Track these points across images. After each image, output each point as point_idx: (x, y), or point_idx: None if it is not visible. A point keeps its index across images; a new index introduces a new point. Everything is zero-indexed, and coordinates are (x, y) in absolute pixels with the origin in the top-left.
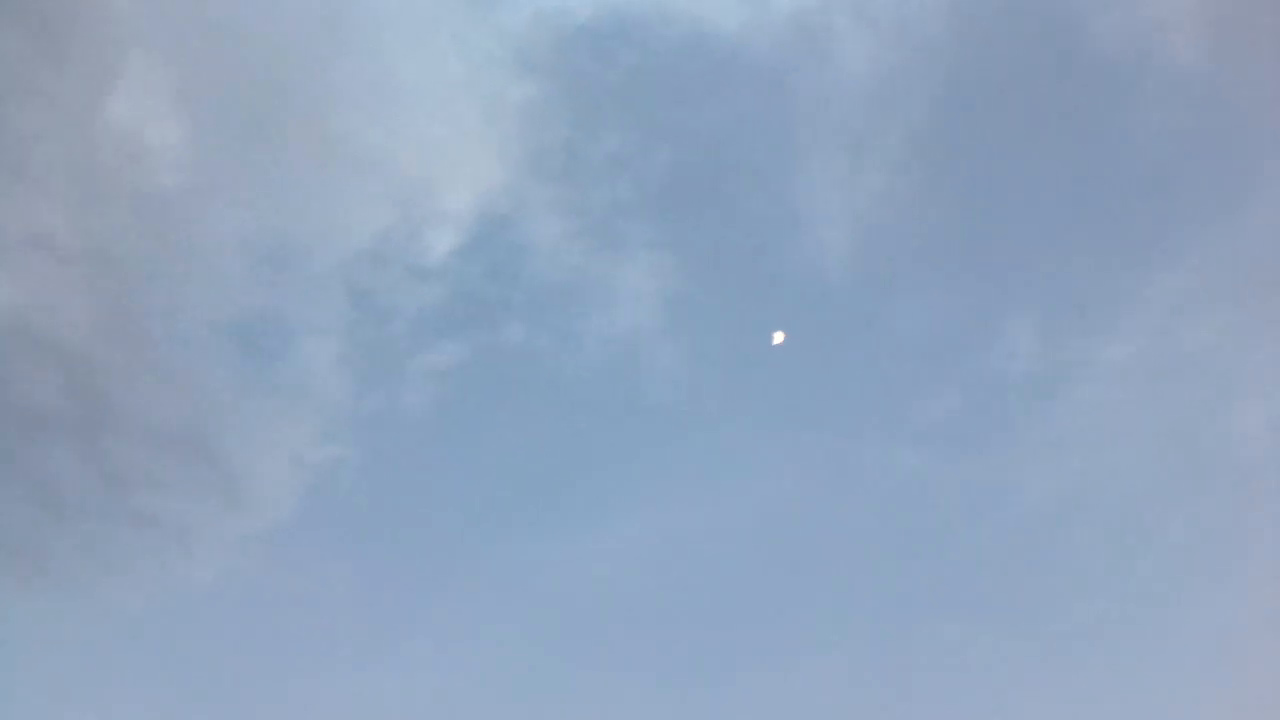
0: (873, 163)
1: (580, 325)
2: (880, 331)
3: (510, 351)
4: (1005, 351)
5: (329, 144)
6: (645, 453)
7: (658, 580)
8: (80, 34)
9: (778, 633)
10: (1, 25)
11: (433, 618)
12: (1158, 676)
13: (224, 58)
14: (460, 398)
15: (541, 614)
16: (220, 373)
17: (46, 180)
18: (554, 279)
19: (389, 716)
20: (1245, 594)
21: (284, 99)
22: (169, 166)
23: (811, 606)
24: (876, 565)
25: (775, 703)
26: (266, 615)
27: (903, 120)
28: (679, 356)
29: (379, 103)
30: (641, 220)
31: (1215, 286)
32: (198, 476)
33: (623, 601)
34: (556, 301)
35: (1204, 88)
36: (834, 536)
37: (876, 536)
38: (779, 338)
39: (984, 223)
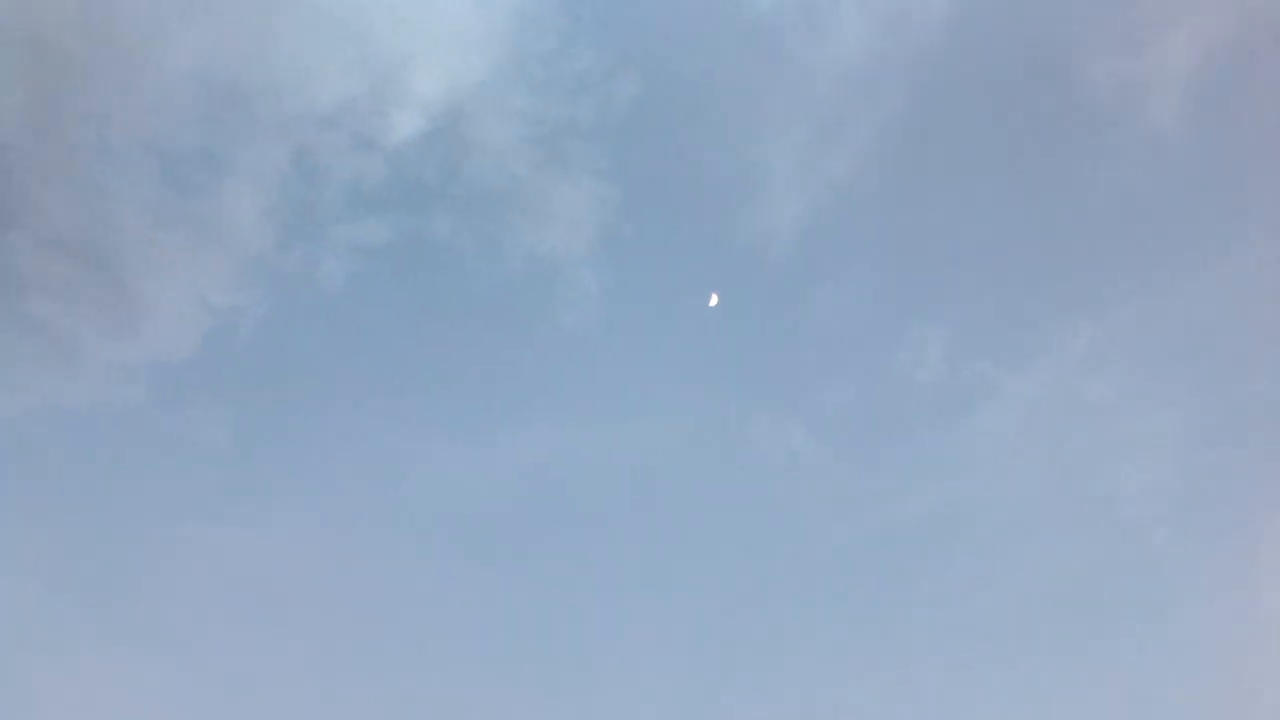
0: (841, 147)
1: (509, 235)
2: (804, 314)
3: (435, 244)
4: (912, 359)
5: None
6: (547, 376)
7: (530, 502)
8: None
9: (632, 577)
10: None
11: (309, 492)
12: (988, 701)
13: None
14: (377, 278)
15: (415, 511)
16: (141, 196)
17: None
18: (493, 183)
19: (246, 577)
20: (1085, 643)
21: None
22: None
23: (670, 560)
24: (743, 535)
25: (615, 642)
26: (140, 452)
27: (879, 113)
28: (601, 289)
29: None
30: (593, 145)
31: (1127, 346)
32: (96, 294)
33: (494, 516)
34: (491, 205)
35: (1175, 154)
36: (710, 498)
37: (750, 509)
38: (714, 300)
39: (927, 231)
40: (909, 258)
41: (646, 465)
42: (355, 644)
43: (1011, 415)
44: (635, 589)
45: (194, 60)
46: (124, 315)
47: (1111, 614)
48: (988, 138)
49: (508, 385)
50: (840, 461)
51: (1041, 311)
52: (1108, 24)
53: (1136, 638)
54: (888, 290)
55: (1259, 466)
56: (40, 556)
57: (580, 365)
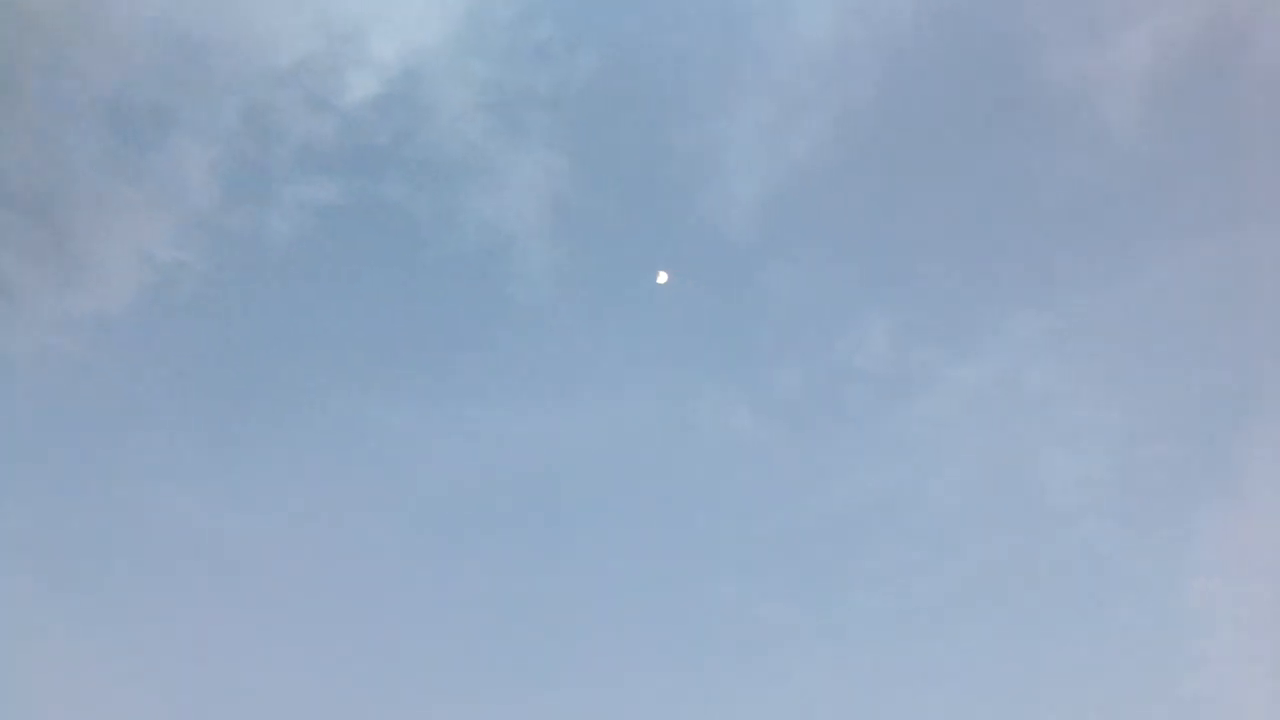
0: (802, 130)
1: (462, 202)
2: (755, 295)
3: (386, 208)
4: (858, 344)
5: None
6: (494, 347)
7: (474, 474)
8: None
9: (572, 551)
10: None
11: (252, 451)
12: (918, 682)
13: None
14: (327, 239)
15: (362, 477)
16: (87, 148)
17: None
18: (447, 149)
19: (185, 538)
20: (1016, 630)
21: None
22: None
23: (611, 536)
24: (685, 513)
25: (555, 616)
26: (82, 407)
27: (842, 98)
28: (552, 262)
29: None
30: (551, 116)
31: (1071, 339)
32: (36, 240)
33: (436, 486)
34: (444, 171)
35: (1129, 151)
36: (653, 475)
37: (693, 487)
38: (662, 277)
39: (881, 217)
40: (862, 243)
41: (591, 440)
42: (301, 609)
43: (953, 403)
44: (574, 563)
45: (149, 13)
46: (64, 265)
47: (1042, 601)
48: (947, 127)
49: (454, 355)
50: (783, 443)
51: (988, 301)
52: (1069, 18)
53: (1066, 625)
54: (839, 274)
55: (1191, 462)
56: None
57: (528, 338)
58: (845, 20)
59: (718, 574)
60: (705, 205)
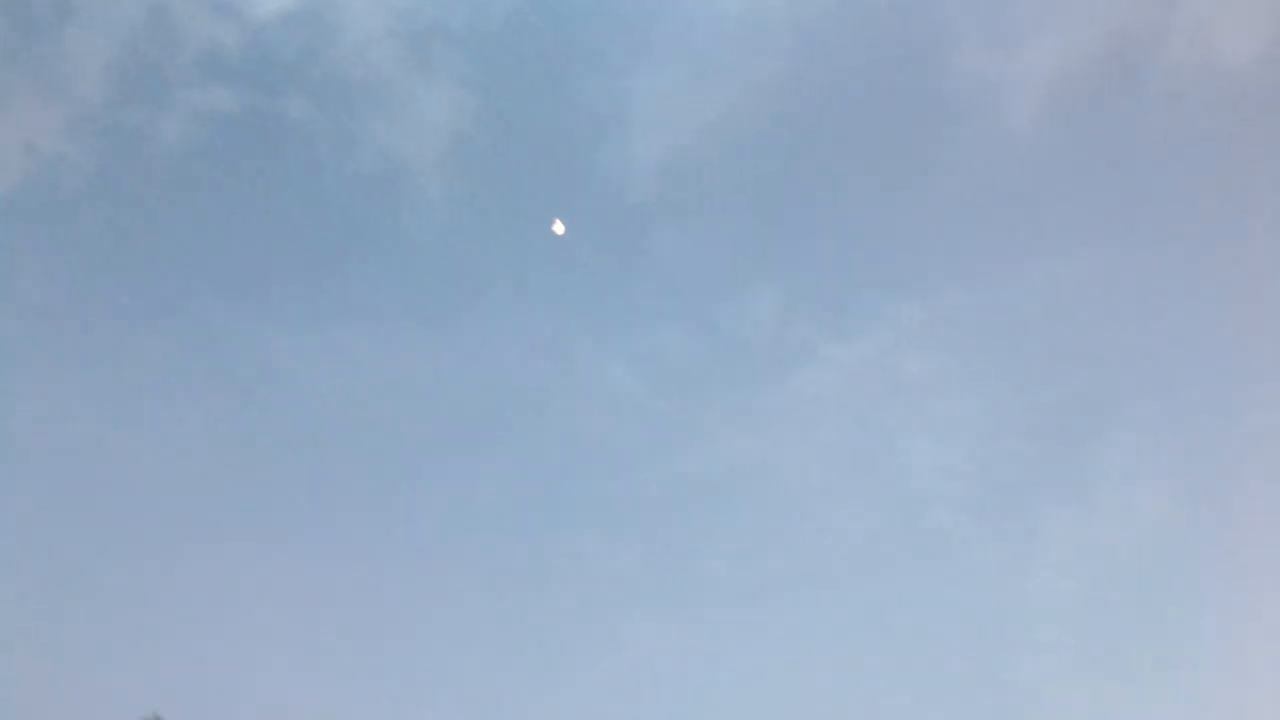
0: (712, 98)
1: (362, 127)
2: (646, 254)
3: (285, 125)
4: (742, 313)
5: None
6: (383, 273)
7: (354, 400)
8: None
9: (441, 487)
10: None
11: (128, 358)
12: (755, 649)
13: None
14: (220, 149)
15: (239, 394)
16: None
17: None
18: (352, 73)
19: (48, 435)
20: (855, 609)
21: None
22: None
23: (476, 475)
24: (551, 460)
25: (415, 544)
26: None
27: (754, 72)
28: (449, 198)
29: None
30: (460, 51)
31: (946, 331)
32: None
33: (315, 408)
34: (347, 95)
35: (1023, 155)
36: (525, 418)
37: (562, 435)
38: (559, 227)
39: (778, 193)
40: (756, 215)
41: (467, 378)
42: (160, 523)
43: (828, 380)
44: (437, 496)
45: None
46: None
47: (890, 581)
48: (853, 111)
49: (339, 278)
50: (657, 403)
51: (872, 285)
52: (982, 20)
53: (911, 605)
54: (730, 244)
55: (1045, 462)
56: None
57: (416, 269)
58: None
59: (576, 522)
60: (606, 160)
